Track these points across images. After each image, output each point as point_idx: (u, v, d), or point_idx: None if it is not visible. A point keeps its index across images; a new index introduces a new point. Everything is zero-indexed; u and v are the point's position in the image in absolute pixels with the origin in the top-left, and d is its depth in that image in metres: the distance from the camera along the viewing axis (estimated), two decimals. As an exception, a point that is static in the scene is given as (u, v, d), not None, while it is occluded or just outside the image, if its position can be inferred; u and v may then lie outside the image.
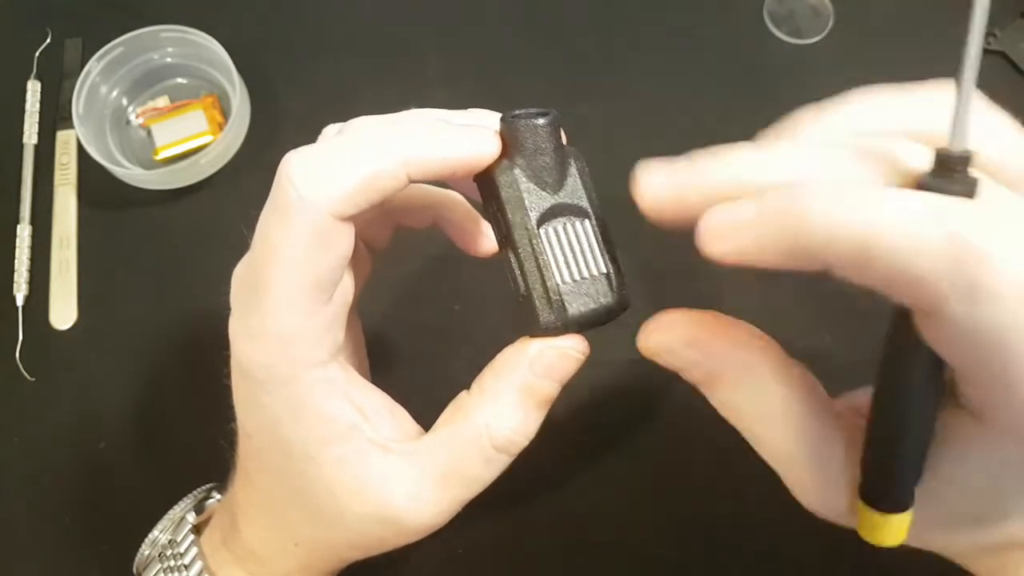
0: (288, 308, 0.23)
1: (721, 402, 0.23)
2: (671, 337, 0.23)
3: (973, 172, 0.18)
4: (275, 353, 0.24)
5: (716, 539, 0.40)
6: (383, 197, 0.24)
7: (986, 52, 0.49)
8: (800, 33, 0.51)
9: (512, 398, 0.25)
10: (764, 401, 0.22)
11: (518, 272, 0.25)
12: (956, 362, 0.18)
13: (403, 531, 0.26)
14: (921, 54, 0.50)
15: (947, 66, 0.50)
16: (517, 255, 0.25)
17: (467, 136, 0.24)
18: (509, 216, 0.25)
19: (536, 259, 0.24)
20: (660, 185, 0.21)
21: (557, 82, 0.51)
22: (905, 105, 0.21)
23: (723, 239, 0.19)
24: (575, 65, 0.51)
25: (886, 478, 0.21)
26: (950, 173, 0.18)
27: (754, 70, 0.50)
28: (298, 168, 0.23)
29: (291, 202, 0.23)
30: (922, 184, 0.19)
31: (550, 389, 0.25)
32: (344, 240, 0.24)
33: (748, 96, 0.49)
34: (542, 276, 0.25)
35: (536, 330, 0.25)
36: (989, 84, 0.47)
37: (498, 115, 0.26)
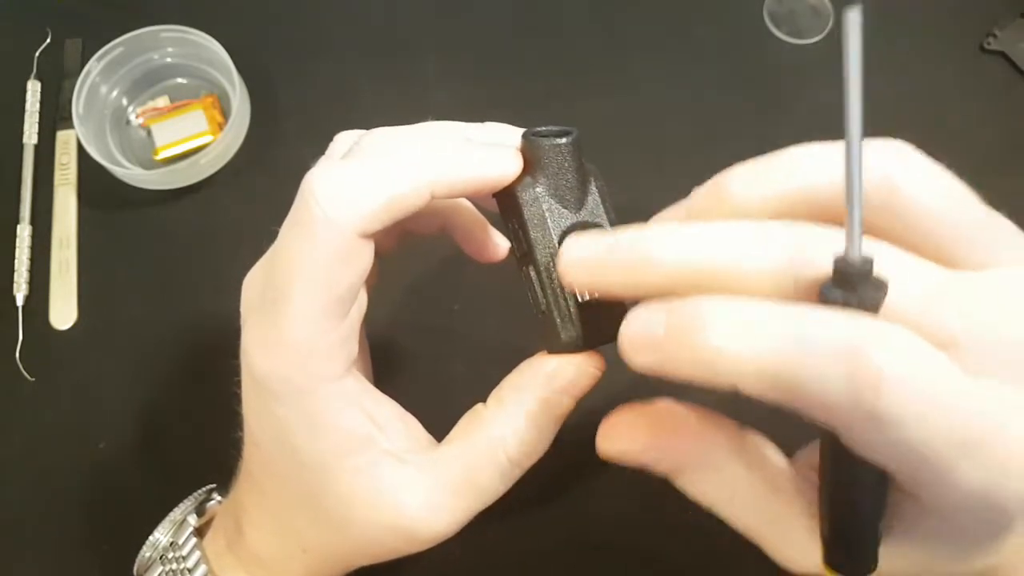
0: (308, 323, 0.23)
1: (686, 488, 0.24)
2: (628, 444, 0.24)
3: (878, 275, 0.18)
4: (292, 366, 0.24)
5: (717, 542, 0.40)
6: (407, 215, 0.24)
7: (986, 52, 0.50)
8: (800, 33, 0.51)
9: (530, 413, 0.25)
10: (724, 484, 0.23)
11: (539, 289, 0.25)
12: (878, 465, 0.19)
13: (415, 540, 0.26)
14: (921, 54, 0.51)
15: (947, 66, 0.51)
16: (538, 273, 0.25)
17: (492, 156, 0.25)
18: (531, 234, 0.25)
19: (558, 277, 0.25)
20: (579, 260, 0.22)
21: (557, 82, 0.51)
22: (827, 174, 0.21)
23: (639, 354, 0.20)
24: (575, 65, 0.51)
25: (844, 548, 0.21)
26: (850, 285, 0.18)
27: (754, 70, 0.50)
28: (324, 187, 0.23)
29: (316, 220, 0.23)
30: (823, 295, 0.18)
31: (567, 405, 0.26)
32: (366, 256, 0.24)
33: (748, 96, 0.49)
34: (563, 294, 0.25)
35: (555, 346, 0.25)
36: (989, 84, 0.47)
37: (518, 131, 0.26)
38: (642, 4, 0.53)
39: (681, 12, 0.52)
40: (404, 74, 0.52)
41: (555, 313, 0.25)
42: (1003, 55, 0.49)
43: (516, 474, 0.26)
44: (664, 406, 0.24)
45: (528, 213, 0.25)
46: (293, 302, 0.23)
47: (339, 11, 0.54)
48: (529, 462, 0.26)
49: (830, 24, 0.51)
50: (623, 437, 0.24)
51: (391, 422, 0.26)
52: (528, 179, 0.25)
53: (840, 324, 0.17)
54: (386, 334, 0.43)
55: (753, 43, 0.51)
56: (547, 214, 0.25)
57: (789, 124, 0.48)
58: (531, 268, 0.25)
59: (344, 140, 0.27)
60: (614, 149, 0.47)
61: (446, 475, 0.26)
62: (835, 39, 0.51)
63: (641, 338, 0.20)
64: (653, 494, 0.41)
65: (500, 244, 0.32)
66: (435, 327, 0.45)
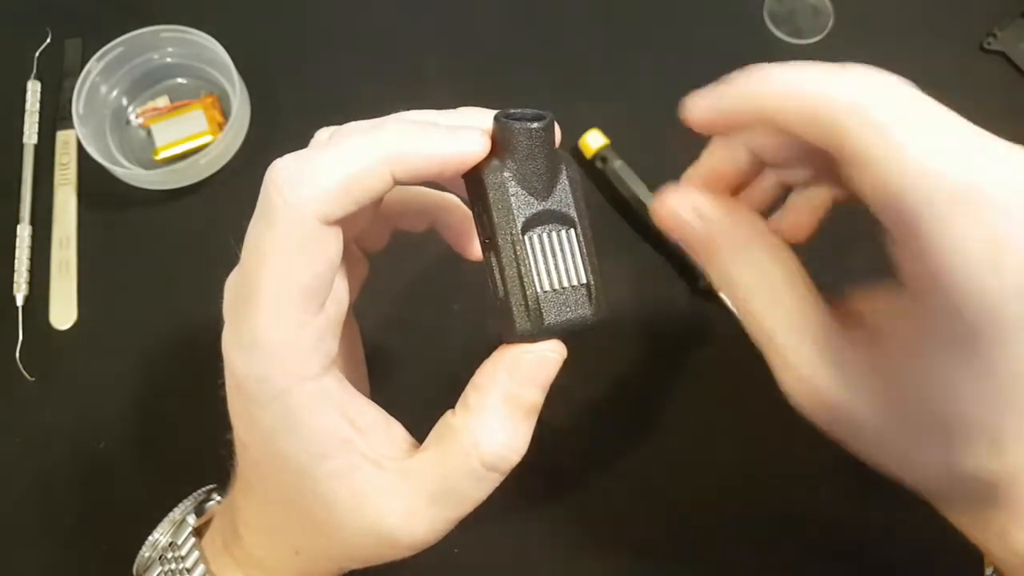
0: (278, 318, 0.23)
1: (718, 272, 0.25)
2: (682, 201, 0.26)
3: None
4: (267, 366, 0.23)
5: (718, 541, 0.40)
6: (369, 198, 0.24)
7: (986, 52, 0.50)
8: (800, 33, 0.51)
9: (497, 412, 0.25)
10: (758, 271, 0.25)
11: (498, 276, 0.25)
12: (885, 211, 0.20)
13: (397, 547, 0.25)
14: (921, 54, 0.50)
15: (947, 66, 0.51)
16: (499, 259, 0.24)
17: (452, 135, 0.24)
18: (495, 219, 0.24)
19: (517, 265, 0.24)
20: (705, 106, 0.25)
21: (557, 82, 0.51)
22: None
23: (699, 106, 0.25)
24: (575, 65, 0.51)
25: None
26: None
27: (754, 70, 0.50)
28: (281, 174, 0.23)
29: (275, 208, 0.23)
30: None
31: (533, 397, 0.25)
32: (331, 245, 0.23)
33: (748, 96, 0.49)
34: (522, 283, 0.24)
35: (512, 336, 0.25)
36: (989, 84, 0.47)
37: (491, 113, 0.26)
38: (642, 4, 0.52)
39: (681, 12, 0.52)
40: (404, 74, 0.52)
41: (512, 302, 0.24)
42: (1003, 55, 0.49)
43: (495, 478, 0.25)
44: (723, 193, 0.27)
45: (493, 197, 0.24)
46: (261, 297, 0.23)
47: (339, 11, 0.54)
48: (507, 466, 0.25)
49: (830, 24, 0.51)
50: (678, 196, 0.26)
51: (372, 426, 0.26)
52: (496, 162, 0.24)
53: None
54: (385, 335, 0.43)
55: (753, 43, 0.51)
56: (512, 199, 0.24)
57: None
58: (492, 254, 0.25)
59: (323, 135, 0.27)
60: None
61: (422, 483, 0.25)
62: (835, 39, 0.51)
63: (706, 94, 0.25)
64: (654, 491, 0.41)
65: None
66: (435, 327, 0.45)
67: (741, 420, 0.41)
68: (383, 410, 0.27)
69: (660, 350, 0.43)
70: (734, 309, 0.44)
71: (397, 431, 0.27)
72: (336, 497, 0.25)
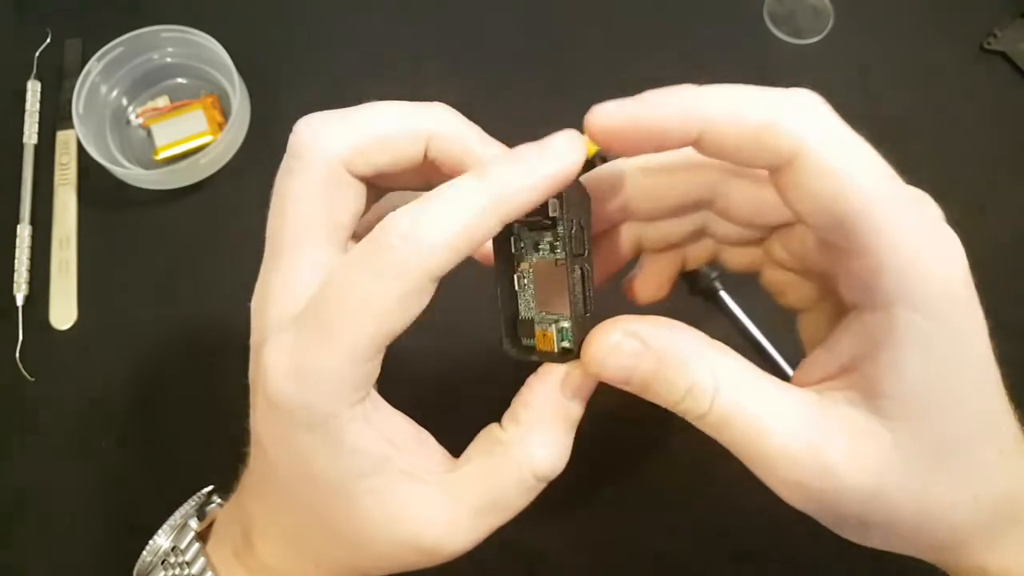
0: (353, 360, 0.23)
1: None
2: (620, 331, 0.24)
3: None
4: (321, 399, 0.23)
5: (720, 540, 0.40)
6: (396, 161, 0.24)
7: (986, 52, 0.50)
8: (800, 33, 0.51)
9: (550, 428, 0.25)
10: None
11: (582, 295, 0.25)
12: (820, 216, 0.21)
13: (436, 557, 0.26)
14: (921, 54, 0.51)
15: (947, 66, 0.50)
16: (590, 278, 0.25)
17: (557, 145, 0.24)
18: (584, 238, 0.25)
19: (590, 288, 0.25)
20: (610, 114, 0.23)
21: (557, 82, 0.51)
22: None
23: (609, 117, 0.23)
24: (575, 65, 0.51)
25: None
26: None
27: (754, 70, 0.50)
28: (310, 122, 0.24)
29: (304, 152, 0.24)
30: None
31: (579, 410, 0.26)
32: (430, 295, 0.23)
33: (748, 96, 0.49)
34: (584, 303, 0.25)
35: (571, 356, 0.25)
36: (989, 84, 0.47)
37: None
38: (642, 4, 0.53)
39: (681, 12, 0.52)
40: (404, 74, 0.52)
41: (575, 320, 0.25)
42: (1003, 55, 0.49)
43: (541, 487, 0.26)
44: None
45: (586, 219, 0.25)
46: (344, 345, 0.23)
47: (339, 11, 0.54)
48: (556, 474, 0.26)
49: (830, 24, 0.51)
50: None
51: (407, 442, 0.26)
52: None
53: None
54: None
55: (753, 43, 0.51)
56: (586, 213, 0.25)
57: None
58: (579, 272, 0.25)
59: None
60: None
61: (468, 495, 0.25)
62: (835, 39, 0.51)
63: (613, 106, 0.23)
64: (663, 491, 0.41)
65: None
66: (434, 327, 0.45)
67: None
68: (414, 422, 0.27)
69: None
70: (735, 312, 0.44)
71: (431, 444, 0.27)
72: (372, 514, 0.25)
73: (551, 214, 0.24)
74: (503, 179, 0.22)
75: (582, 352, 0.24)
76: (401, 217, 0.22)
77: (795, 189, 0.22)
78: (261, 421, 0.25)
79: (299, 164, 0.25)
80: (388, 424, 0.26)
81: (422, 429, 0.27)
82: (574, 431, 0.26)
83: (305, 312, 0.24)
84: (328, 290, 0.23)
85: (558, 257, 0.25)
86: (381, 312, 0.23)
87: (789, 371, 0.43)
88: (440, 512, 0.25)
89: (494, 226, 0.22)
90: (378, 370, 0.25)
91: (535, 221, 0.25)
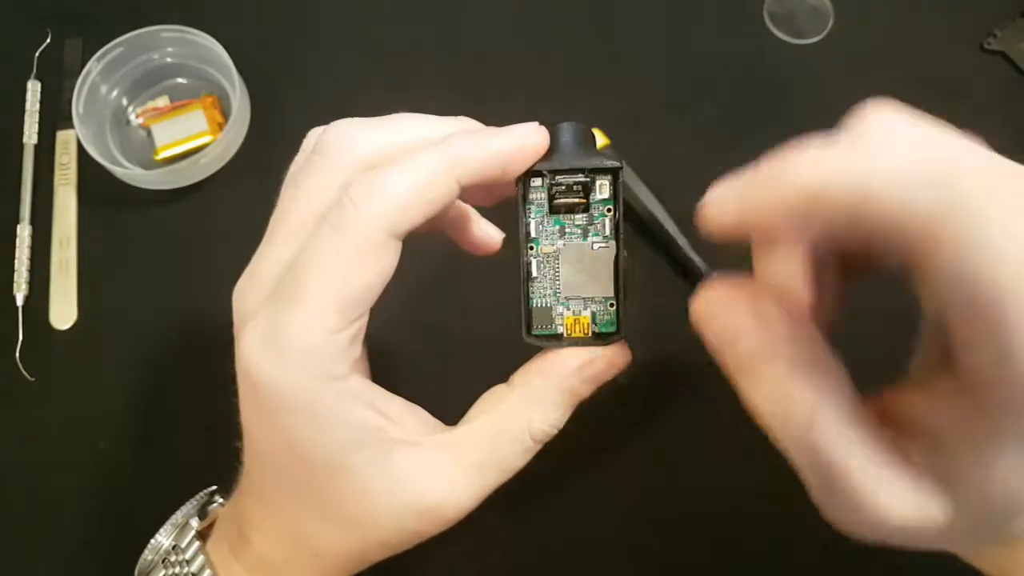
0: (322, 323, 0.23)
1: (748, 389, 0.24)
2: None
3: None
4: (298, 370, 0.24)
5: (719, 541, 0.40)
6: (436, 209, 0.24)
7: (986, 52, 0.50)
8: (800, 33, 0.51)
9: (556, 398, 0.26)
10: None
11: (622, 276, 0.26)
12: (951, 314, 0.18)
13: (439, 520, 0.26)
14: (921, 54, 0.50)
15: (947, 66, 0.51)
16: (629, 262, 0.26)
17: (511, 132, 0.25)
18: (620, 222, 0.25)
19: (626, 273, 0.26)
20: (723, 198, 0.21)
21: (557, 82, 0.51)
22: None
23: (721, 209, 0.20)
24: (574, 66, 0.51)
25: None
26: None
27: (754, 70, 0.50)
28: (343, 126, 0.25)
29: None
30: None
31: (588, 392, 0.27)
32: (392, 257, 0.24)
33: (748, 96, 0.49)
34: (625, 287, 0.26)
35: (615, 338, 0.26)
36: (989, 84, 0.47)
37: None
38: (642, 4, 0.52)
39: (681, 12, 0.52)
40: (404, 74, 0.51)
41: (620, 305, 0.26)
42: (1003, 55, 0.49)
43: (535, 450, 0.27)
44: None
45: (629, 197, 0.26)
46: (308, 300, 0.23)
47: (339, 12, 0.54)
48: (548, 439, 0.27)
49: (830, 24, 0.51)
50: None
51: (400, 415, 0.27)
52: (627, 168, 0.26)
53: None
54: (386, 336, 0.43)
55: (753, 43, 0.51)
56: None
57: (789, 124, 0.48)
58: (625, 250, 0.26)
59: (313, 136, 0.28)
60: (614, 149, 0.47)
61: (468, 453, 0.26)
62: (835, 39, 0.51)
63: (725, 192, 0.20)
64: (661, 489, 0.41)
65: (493, 236, 0.32)
66: (434, 326, 0.45)
67: (742, 421, 0.41)
68: (405, 399, 0.28)
69: (660, 350, 0.43)
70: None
71: (423, 415, 0.28)
72: (372, 485, 0.25)
73: (599, 197, 0.26)
74: (458, 145, 0.24)
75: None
76: (361, 179, 0.24)
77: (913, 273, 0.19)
78: (247, 410, 0.26)
79: (325, 162, 0.25)
80: (378, 399, 0.26)
81: (415, 404, 0.28)
82: (575, 406, 0.27)
83: (276, 286, 0.25)
84: (296, 259, 0.24)
85: (596, 241, 0.26)
86: (340, 268, 0.23)
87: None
88: (440, 472, 0.26)
89: (449, 186, 0.24)
90: (359, 348, 0.25)
91: (571, 203, 0.26)
